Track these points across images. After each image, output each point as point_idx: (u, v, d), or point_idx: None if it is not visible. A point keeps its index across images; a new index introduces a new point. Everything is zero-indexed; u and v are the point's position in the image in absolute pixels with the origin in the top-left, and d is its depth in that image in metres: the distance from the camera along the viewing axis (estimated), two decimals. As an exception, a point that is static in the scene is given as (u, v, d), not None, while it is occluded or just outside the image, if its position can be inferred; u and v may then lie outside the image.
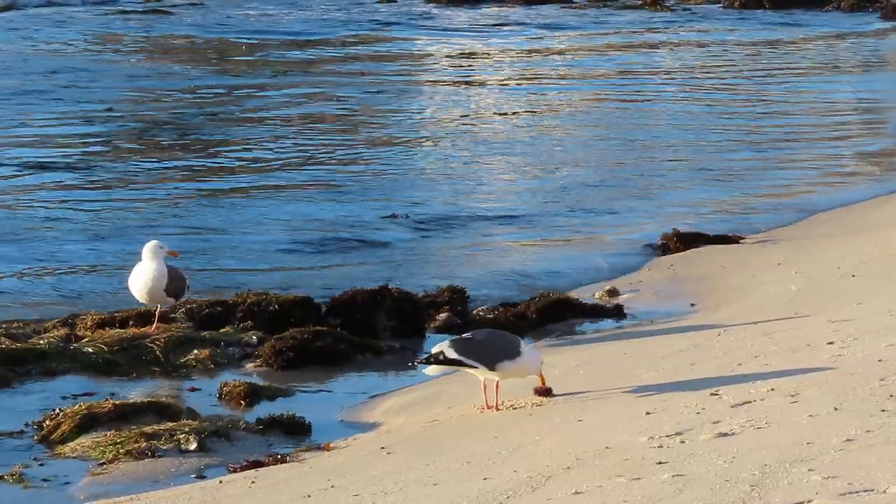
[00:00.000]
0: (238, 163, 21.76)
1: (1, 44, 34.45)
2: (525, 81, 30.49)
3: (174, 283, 12.87)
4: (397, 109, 26.55)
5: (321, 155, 22.20)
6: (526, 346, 10.97)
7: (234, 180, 20.67)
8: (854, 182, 19.56)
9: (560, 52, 32.51)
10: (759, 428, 9.15)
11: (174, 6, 40.70)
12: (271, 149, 22.48)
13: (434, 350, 10.80)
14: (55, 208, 18.77)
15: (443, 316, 13.58)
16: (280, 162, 21.82)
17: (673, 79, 28.75)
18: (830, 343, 11.49)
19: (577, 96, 27.98)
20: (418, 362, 11.08)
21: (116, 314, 13.21)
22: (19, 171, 20.81)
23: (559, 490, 8.45)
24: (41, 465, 10.47)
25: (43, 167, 21.12)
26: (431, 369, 10.86)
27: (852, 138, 23.08)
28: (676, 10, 37.88)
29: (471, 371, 10.63)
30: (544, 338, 12.50)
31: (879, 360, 10.41)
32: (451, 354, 10.56)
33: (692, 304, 14.03)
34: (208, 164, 21.51)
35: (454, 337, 11.08)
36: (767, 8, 37.94)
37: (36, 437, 10.92)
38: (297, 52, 33.41)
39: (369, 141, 23.66)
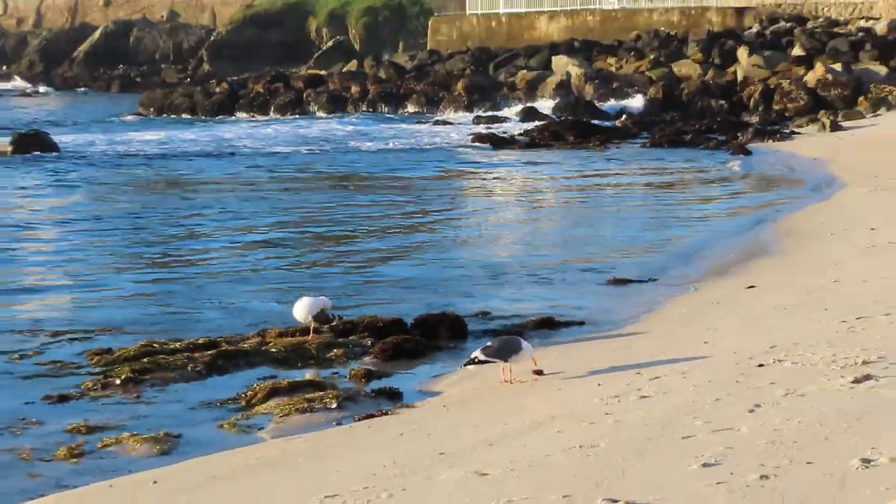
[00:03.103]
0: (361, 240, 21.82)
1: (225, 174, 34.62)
2: (530, 192, 30.51)
3: (318, 315, 12.97)
4: (451, 209, 26.50)
5: (399, 234, 22.26)
6: (525, 344, 11.02)
7: (359, 249, 20.75)
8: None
9: (549, 175, 32.49)
10: (665, 393, 9.24)
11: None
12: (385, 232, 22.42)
13: (472, 355, 10.93)
14: (259, 269, 18.72)
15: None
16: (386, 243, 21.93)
17: (612, 191, 28.66)
18: (706, 342, 11.53)
19: (560, 198, 27.96)
20: (463, 365, 11.18)
21: (289, 328, 13.30)
22: (242, 246, 20.84)
23: (548, 431, 8.56)
24: (246, 418, 10.56)
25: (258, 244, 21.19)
26: (471, 368, 10.98)
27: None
28: (611, 149, 37.53)
29: (477, 363, 10.77)
30: (536, 340, 12.51)
31: (734, 352, 10.46)
32: (482, 357, 10.70)
33: (633, 317, 14.06)
34: (349, 245, 21.46)
35: (483, 345, 11.19)
36: (667, 147, 37.76)
37: (242, 402, 11.00)
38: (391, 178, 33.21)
39: (435, 223, 23.79)
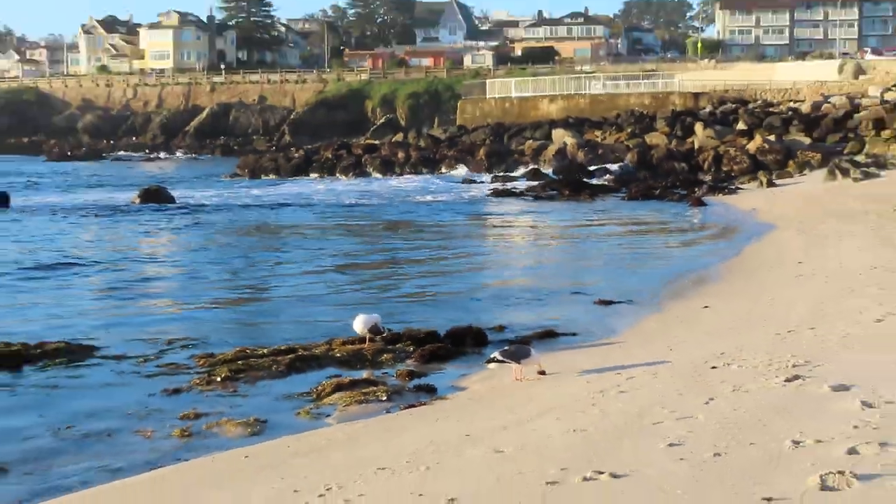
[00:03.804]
0: (406, 271, 21.71)
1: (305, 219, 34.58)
2: (533, 230, 30.43)
3: (373, 328, 12.98)
4: (474, 246, 26.48)
5: (434, 265, 22.21)
6: (533, 350, 11.02)
7: (404, 275, 20.71)
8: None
9: (549, 221, 32.37)
10: (639, 389, 9.18)
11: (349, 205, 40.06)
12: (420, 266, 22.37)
13: (491, 356, 10.91)
14: (327, 293, 18.53)
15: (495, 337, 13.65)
16: (422, 267, 21.79)
17: (597, 233, 28.55)
18: (671, 349, 11.48)
19: (557, 239, 27.85)
20: (485, 363, 11.15)
21: (350, 338, 13.23)
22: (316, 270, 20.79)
23: (550, 417, 8.51)
24: (316, 407, 10.53)
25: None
26: (491, 365, 10.94)
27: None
28: (597, 201, 37.33)
29: (497, 362, 10.71)
30: (540, 347, 12.45)
31: (693, 357, 10.42)
32: (500, 358, 10.67)
33: (615, 330, 13.96)
34: (394, 272, 21.47)
35: (501, 349, 11.18)
36: (640, 199, 37.57)
37: (313, 395, 10.95)
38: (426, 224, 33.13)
39: (456, 257, 23.69)
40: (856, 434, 6.55)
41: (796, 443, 6.50)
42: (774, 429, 6.94)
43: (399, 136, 73.61)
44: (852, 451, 6.17)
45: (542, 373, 10.84)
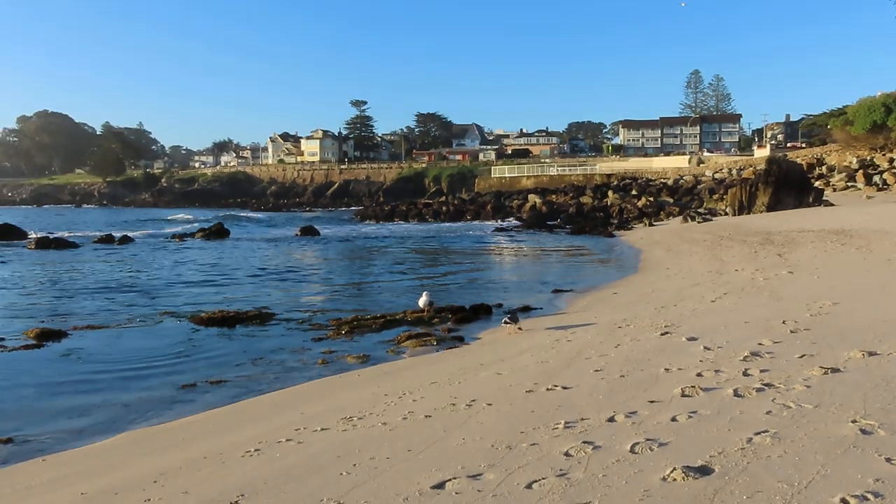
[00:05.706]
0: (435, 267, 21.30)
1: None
2: (517, 251, 29.86)
3: (429, 304, 12.86)
4: (483, 260, 26.00)
5: (461, 270, 21.77)
6: (519, 316, 10.94)
7: (438, 270, 20.41)
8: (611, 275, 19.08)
9: (527, 245, 31.76)
10: (578, 339, 9.06)
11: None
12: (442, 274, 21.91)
13: (503, 321, 10.85)
14: (402, 284, 18.33)
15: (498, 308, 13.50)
16: (446, 271, 21.44)
17: (553, 252, 27.96)
18: (595, 317, 11.32)
19: (531, 255, 27.36)
20: (502, 322, 11.02)
21: (416, 310, 13.09)
22: (383, 270, 20.41)
23: (527, 354, 8.43)
24: (397, 348, 10.52)
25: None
26: (501, 324, 10.84)
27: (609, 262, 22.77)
28: (554, 234, 36.56)
29: (507, 323, 10.58)
30: (522, 315, 12.30)
31: (608, 321, 10.27)
32: (506, 319, 10.64)
33: (564, 306, 13.76)
34: (430, 272, 21.09)
35: (504, 317, 11.09)
36: (578, 234, 36.85)
37: (396, 341, 10.93)
38: (445, 249, 32.49)
39: (465, 264, 23.33)
40: (701, 365, 6.44)
41: (667, 370, 6.40)
42: (655, 362, 6.84)
43: (443, 199, 73.53)
44: (699, 375, 6.08)
45: (520, 329, 10.75)
